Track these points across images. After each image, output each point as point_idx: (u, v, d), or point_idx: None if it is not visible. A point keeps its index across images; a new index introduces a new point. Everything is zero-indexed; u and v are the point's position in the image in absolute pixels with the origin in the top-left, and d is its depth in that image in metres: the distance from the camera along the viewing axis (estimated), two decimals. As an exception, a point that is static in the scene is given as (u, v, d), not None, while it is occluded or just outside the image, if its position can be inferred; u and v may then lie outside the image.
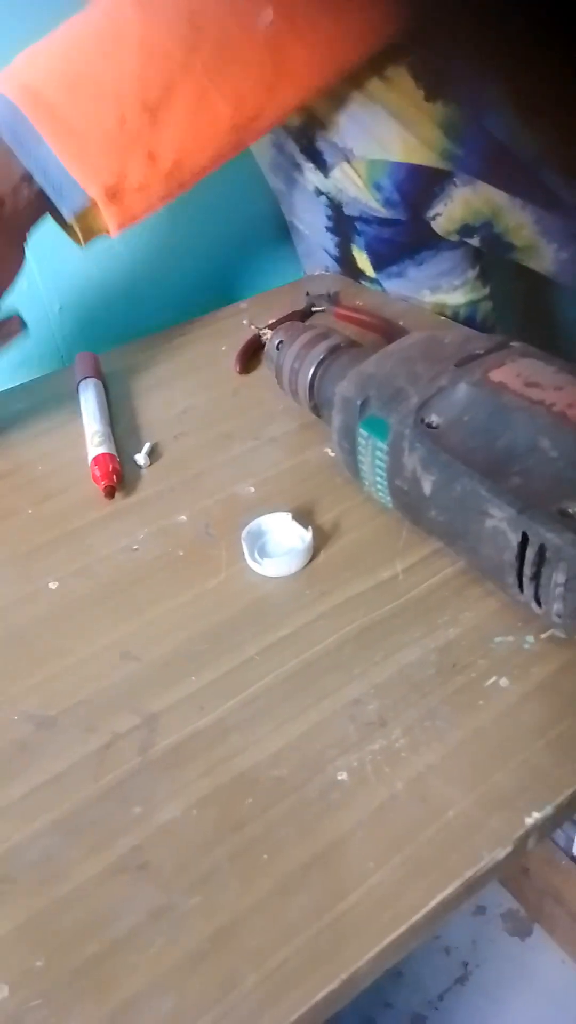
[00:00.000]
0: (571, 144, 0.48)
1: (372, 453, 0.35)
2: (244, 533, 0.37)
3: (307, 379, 0.41)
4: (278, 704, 0.30)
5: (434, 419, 0.33)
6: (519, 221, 0.52)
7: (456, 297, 0.59)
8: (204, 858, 0.25)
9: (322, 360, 0.41)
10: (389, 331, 0.53)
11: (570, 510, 0.28)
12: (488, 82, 0.47)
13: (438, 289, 0.58)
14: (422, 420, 0.33)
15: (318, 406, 0.42)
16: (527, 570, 0.29)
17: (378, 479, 0.35)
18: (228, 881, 0.24)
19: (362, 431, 0.35)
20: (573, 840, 0.50)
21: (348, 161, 0.51)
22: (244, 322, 0.54)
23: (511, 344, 0.36)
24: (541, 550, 0.28)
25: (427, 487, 0.32)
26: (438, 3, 0.31)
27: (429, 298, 0.58)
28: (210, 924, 0.23)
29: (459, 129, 0.49)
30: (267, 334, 0.50)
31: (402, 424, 0.33)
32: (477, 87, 0.48)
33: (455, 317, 0.59)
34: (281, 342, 0.44)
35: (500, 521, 0.29)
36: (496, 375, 0.33)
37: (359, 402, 0.35)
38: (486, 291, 0.61)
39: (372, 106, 0.48)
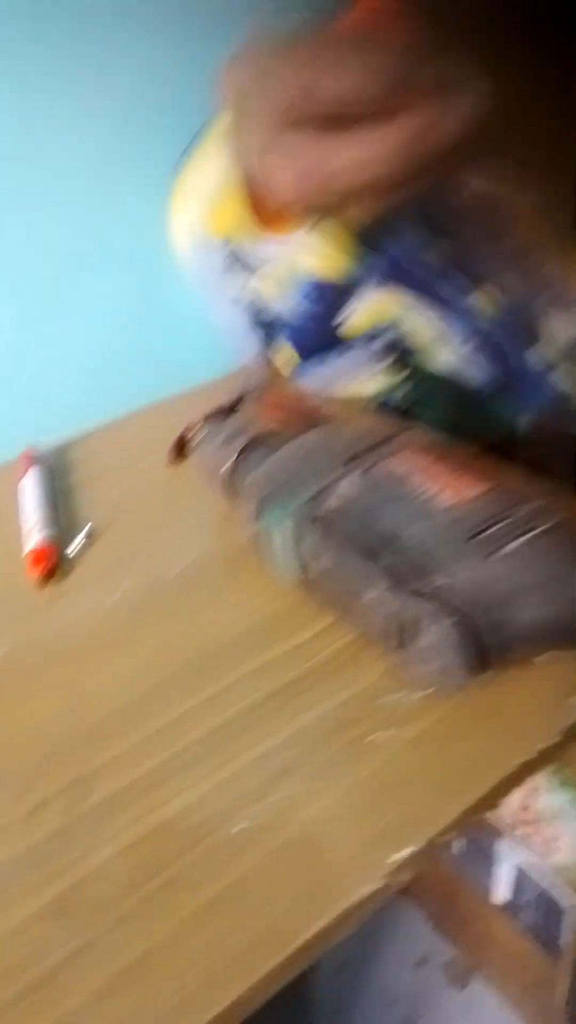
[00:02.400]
0: (476, 254, 0.55)
1: (278, 537, 0.40)
2: None
3: (226, 471, 0.46)
4: (200, 760, 0.34)
5: (327, 507, 0.38)
6: (421, 321, 0.59)
7: (371, 386, 0.65)
8: (123, 901, 0.29)
9: (238, 454, 0.46)
10: (310, 420, 0.59)
11: (435, 584, 0.33)
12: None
13: (354, 380, 0.65)
14: (317, 508, 0.38)
15: (235, 495, 0.47)
16: (401, 637, 0.33)
17: (284, 561, 0.40)
18: (144, 919, 0.28)
19: (269, 519, 0.40)
20: (495, 886, 0.53)
21: (265, 271, 0.58)
22: (178, 415, 0.59)
23: (400, 435, 0.41)
24: (413, 619, 0.33)
25: (321, 566, 0.37)
26: None
27: (346, 388, 0.65)
28: (120, 961, 0.27)
29: (371, 239, 0.56)
30: (195, 427, 0.56)
31: (299, 513, 0.38)
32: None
33: (371, 404, 0.66)
34: (205, 436, 0.49)
35: (378, 595, 0.34)
36: (380, 468, 0.39)
37: (265, 494, 0.40)
38: (401, 378, 0.68)
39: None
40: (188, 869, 0.30)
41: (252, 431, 0.47)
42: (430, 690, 0.35)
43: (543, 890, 0.48)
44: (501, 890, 0.53)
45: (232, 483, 0.47)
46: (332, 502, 0.38)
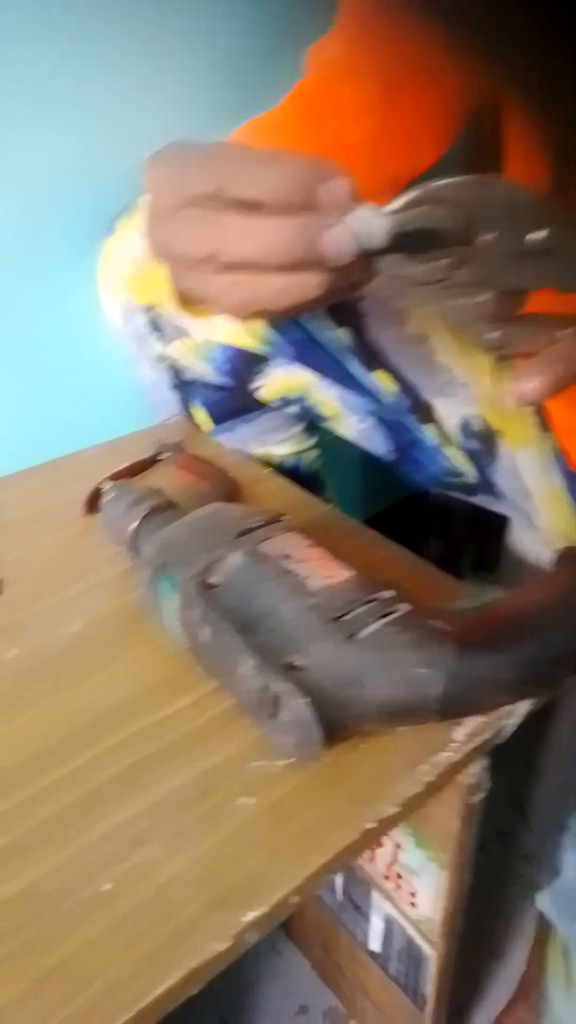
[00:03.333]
0: (374, 341, 0.60)
1: (168, 605, 0.43)
2: None
3: (128, 534, 0.49)
4: (63, 827, 0.36)
5: (213, 580, 0.41)
6: (326, 397, 0.63)
7: (282, 449, 0.69)
8: (-22, 963, 0.31)
9: (142, 519, 0.49)
10: (218, 483, 0.62)
11: (296, 663, 0.36)
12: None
13: (265, 443, 0.68)
14: (204, 581, 0.41)
15: (136, 557, 0.49)
16: (266, 710, 0.36)
17: (171, 629, 0.43)
18: (-4, 981, 0.30)
19: (160, 586, 0.43)
20: (368, 935, 0.56)
21: (184, 338, 0.62)
22: (96, 467, 0.62)
23: (281, 518, 0.45)
24: (274, 695, 0.36)
25: (204, 637, 0.40)
26: None
27: (258, 450, 0.68)
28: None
29: (278, 322, 0.60)
30: (106, 484, 0.58)
31: (188, 584, 0.41)
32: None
33: (281, 466, 0.69)
34: (113, 497, 0.52)
35: (248, 670, 0.37)
36: (262, 547, 0.42)
37: (158, 563, 0.43)
38: (311, 442, 0.72)
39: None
40: (41, 932, 0.32)
41: (156, 498, 0.50)
42: (292, 759, 0.38)
43: (408, 940, 0.51)
44: (373, 940, 0.56)
45: (134, 547, 0.49)
46: (217, 577, 0.41)
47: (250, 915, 0.32)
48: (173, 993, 0.30)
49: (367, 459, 0.73)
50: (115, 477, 0.62)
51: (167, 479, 0.64)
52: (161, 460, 0.66)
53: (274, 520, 0.45)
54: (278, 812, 0.36)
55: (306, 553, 0.41)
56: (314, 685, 0.35)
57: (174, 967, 0.30)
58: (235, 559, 0.42)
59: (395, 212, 0.32)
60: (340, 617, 0.37)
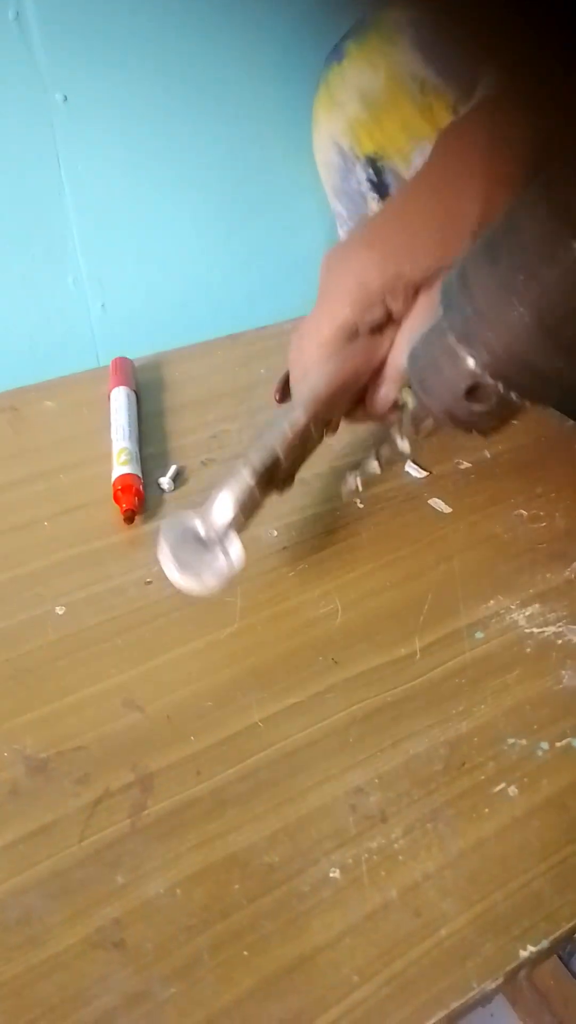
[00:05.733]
0: None
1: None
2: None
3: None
4: (278, 781, 0.29)
5: None
6: None
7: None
8: (185, 945, 0.24)
9: None
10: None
11: None
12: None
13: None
14: None
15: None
16: None
17: None
18: (207, 975, 0.24)
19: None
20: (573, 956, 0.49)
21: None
22: (278, 345, 0.53)
23: None
24: None
25: None
26: None
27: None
28: (184, 1021, 0.23)
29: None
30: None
31: None
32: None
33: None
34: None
35: None
36: None
37: None
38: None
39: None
40: (260, 920, 0.25)
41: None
42: (568, 743, 0.29)
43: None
44: None
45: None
46: None
47: (530, 949, 0.24)
48: (430, 1035, 0.23)
49: None
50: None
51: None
52: (361, 347, 0.56)
53: None
54: (553, 813, 0.28)
55: None
56: None
57: (435, 1005, 0.23)
58: None
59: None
60: None
